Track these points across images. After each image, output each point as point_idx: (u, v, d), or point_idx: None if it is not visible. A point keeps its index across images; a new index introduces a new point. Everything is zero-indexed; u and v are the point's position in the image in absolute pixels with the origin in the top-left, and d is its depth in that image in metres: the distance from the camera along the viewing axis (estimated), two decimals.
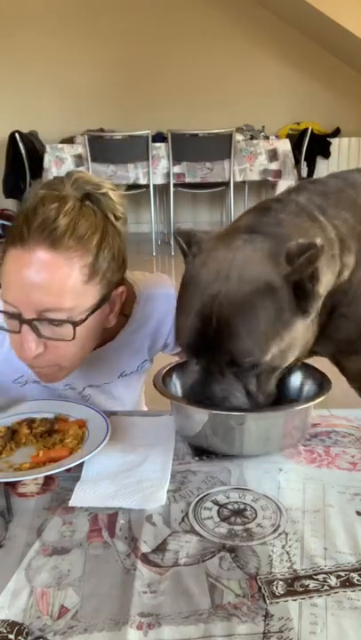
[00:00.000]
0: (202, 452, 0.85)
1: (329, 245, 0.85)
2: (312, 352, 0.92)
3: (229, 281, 0.77)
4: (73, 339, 0.85)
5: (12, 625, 0.56)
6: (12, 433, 0.89)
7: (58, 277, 0.83)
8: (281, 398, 0.88)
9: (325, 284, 0.84)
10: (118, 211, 0.92)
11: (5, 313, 0.86)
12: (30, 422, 0.91)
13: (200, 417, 0.82)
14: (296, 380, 0.93)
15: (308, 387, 0.91)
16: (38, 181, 5.24)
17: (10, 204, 5.82)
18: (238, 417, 0.81)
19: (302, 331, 0.81)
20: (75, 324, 0.85)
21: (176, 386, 0.93)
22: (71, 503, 0.74)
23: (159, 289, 1.10)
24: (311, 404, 0.83)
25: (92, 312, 0.88)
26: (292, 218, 0.87)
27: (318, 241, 0.76)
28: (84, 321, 0.86)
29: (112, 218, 0.91)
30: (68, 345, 0.87)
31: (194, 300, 0.80)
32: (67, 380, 1.05)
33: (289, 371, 0.89)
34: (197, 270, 0.83)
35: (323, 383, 0.88)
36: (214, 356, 0.79)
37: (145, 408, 1.35)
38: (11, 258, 0.84)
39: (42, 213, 0.83)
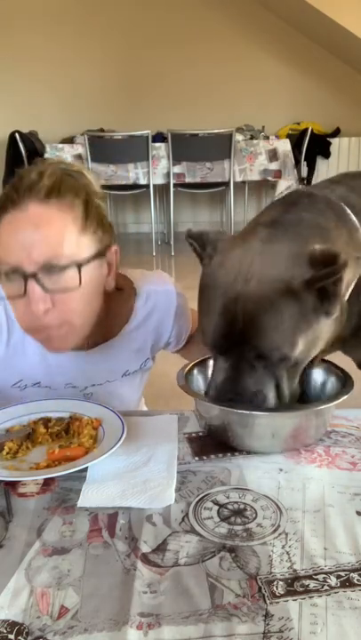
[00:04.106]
0: (202, 451, 0.85)
1: (354, 247, 0.85)
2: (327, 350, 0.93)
3: (250, 282, 0.79)
4: (79, 284, 0.88)
5: (12, 625, 0.56)
6: (29, 432, 0.89)
7: (54, 228, 0.86)
8: (305, 396, 0.89)
9: (347, 283, 0.84)
10: (94, 186, 0.95)
11: (7, 274, 0.88)
12: (46, 421, 0.91)
13: (223, 414, 0.84)
14: (318, 378, 0.94)
15: (331, 385, 0.92)
16: None
17: None
18: (256, 415, 0.82)
19: (326, 330, 0.83)
20: (79, 266, 0.87)
21: (199, 382, 0.94)
22: (79, 504, 0.73)
23: (160, 285, 1.10)
24: (333, 404, 0.84)
25: (92, 260, 0.91)
26: (315, 216, 0.87)
27: (343, 256, 0.77)
28: (87, 263, 0.89)
29: (87, 189, 0.94)
30: (75, 298, 0.89)
31: (216, 302, 0.82)
32: (68, 379, 1.05)
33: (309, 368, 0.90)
34: (215, 272, 0.84)
35: (345, 382, 0.89)
36: (243, 353, 0.81)
37: (145, 408, 1.35)
38: (5, 223, 0.87)
39: (27, 178, 0.88)
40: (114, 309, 1.02)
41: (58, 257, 0.86)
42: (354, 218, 0.88)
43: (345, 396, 0.84)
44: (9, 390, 1.06)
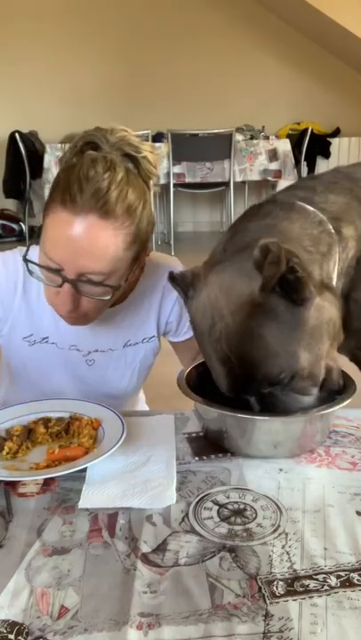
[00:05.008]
0: (202, 451, 0.85)
1: (317, 226, 0.85)
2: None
3: (224, 318, 0.79)
4: (109, 298, 0.93)
5: (12, 625, 0.56)
6: (29, 432, 0.89)
7: (104, 244, 0.88)
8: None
9: (327, 260, 0.83)
10: (153, 173, 0.97)
11: (49, 269, 0.90)
12: (46, 421, 0.91)
13: (222, 418, 0.83)
14: None
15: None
16: (38, 181, 5.24)
17: (10, 204, 5.81)
18: (260, 420, 0.81)
19: (315, 316, 0.78)
20: (114, 289, 0.92)
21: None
22: (80, 505, 0.73)
23: (167, 262, 1.16)
24: (336, 408, 0.81)
25: (127, 274, 0.94)
26: (260, 220, 0.87)
27: (274, 242, 0.73)
28: (120, 285, 0.93)
29: (147, 179, 0.96)
30: (100, 300, 0.93)
31: (208, 349, 0.82)
32: (73, 341, 1.10)
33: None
34: (196, 318, 0.86)
35: (345, 384, 0.86)
36: (258, 388, 0.79)
37: (146, 407, 1.36)
38: (60, 218, 0.88)
39: (94, 181, 0.87)
40: None
41: (99, 274, 0.89)
42: (308, 207, 0.86)
43: (348, 400, 0.83)
44: (19, 342, 1.10)
